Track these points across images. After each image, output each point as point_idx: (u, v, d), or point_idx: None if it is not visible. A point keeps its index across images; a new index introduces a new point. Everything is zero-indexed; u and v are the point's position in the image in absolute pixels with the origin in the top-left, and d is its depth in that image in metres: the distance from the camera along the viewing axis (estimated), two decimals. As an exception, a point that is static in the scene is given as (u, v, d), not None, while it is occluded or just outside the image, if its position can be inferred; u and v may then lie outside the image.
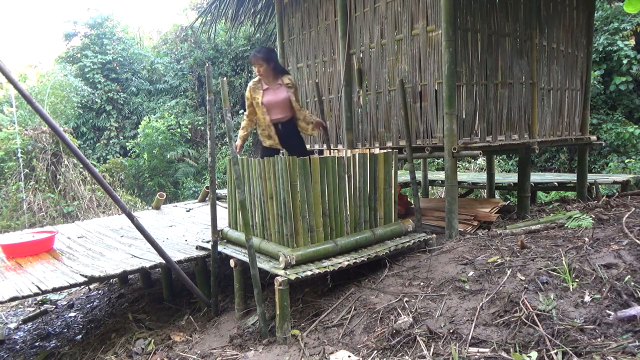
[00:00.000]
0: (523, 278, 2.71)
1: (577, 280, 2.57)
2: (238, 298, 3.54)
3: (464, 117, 4.06)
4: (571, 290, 2.49)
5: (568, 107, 5.28)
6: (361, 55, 4.83)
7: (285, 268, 3.00)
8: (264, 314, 3.04)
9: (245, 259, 3.25)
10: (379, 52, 4.59)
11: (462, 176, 7.79)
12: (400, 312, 2.75)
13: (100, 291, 5.57)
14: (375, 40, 4.61)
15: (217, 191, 6.02)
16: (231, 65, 14.45)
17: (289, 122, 4.58)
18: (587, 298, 2.38)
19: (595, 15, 8.13)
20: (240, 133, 4.66)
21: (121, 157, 13.53)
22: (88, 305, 5.17)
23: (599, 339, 2.08)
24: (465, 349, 2.25)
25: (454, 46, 3.78)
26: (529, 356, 2.07)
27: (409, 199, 5.26)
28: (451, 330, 2.43)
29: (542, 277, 2.65)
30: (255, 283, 3.02)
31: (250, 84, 4.51)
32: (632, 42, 10.03)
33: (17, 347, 4.25)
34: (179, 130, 13.48)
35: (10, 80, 2.64)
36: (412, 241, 3.64)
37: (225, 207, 4.35)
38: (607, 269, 2.63)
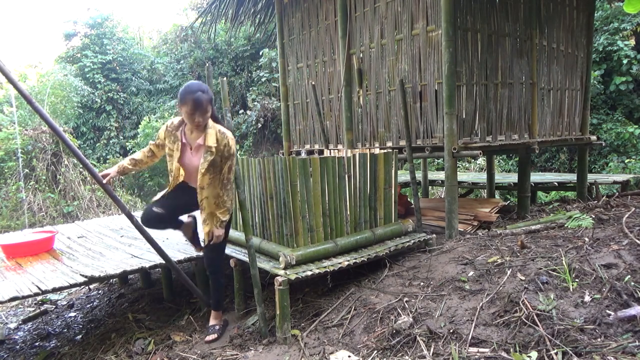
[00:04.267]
0: (523, 278, 2.71)
1: (577, 280, 2.57)
2: (238, 298, 3.54)
3: (464, 117, 4.06)
4: (571, 290, 2.49)
5: (568, 107, 5.29)
6: (361, 55, 4.83)
7: (285, 268, 3.00)
8: (264, 314, 3.04)
9: (245, 259, 3.25)
10: (379, 52, 4.59)
11: (462, 176, 7.79)
12: (400, 312, 2.75)
13: (100, 291, 5.57)
14: (375, 40, 4.61)
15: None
16: (231, 65, 14.46)
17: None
18: (587, 298, 2.38)
19: (595, 15, 8.13)
20: (124, 162, 3.46)
21: (121, 157, 13.53)
22: (88, 305, 5.17)
23: (599, 339, 2.08)
24: (465, 349, 2.25)
25: (454, 46, 3.79)
26: (529, 356, 2.07)
27: (409, 199, 5.26)
28: (451, 330, 2.43)
29: (542, 277, 2.65)
30: (255, 283, 3.02)
31: (168, 123, 3.15)
32: (632, 42, 10.03)
33: (17, 347, 4.25)
34: (179, 130, 13.44)
35: (10, 80, 2.65)
36: (412, 241, 3.64)
37: (225, 207, 4.34)
38: (607, 269, 2.63)
